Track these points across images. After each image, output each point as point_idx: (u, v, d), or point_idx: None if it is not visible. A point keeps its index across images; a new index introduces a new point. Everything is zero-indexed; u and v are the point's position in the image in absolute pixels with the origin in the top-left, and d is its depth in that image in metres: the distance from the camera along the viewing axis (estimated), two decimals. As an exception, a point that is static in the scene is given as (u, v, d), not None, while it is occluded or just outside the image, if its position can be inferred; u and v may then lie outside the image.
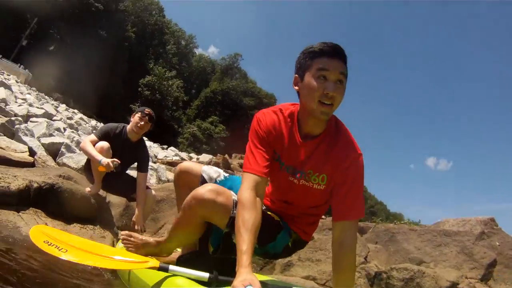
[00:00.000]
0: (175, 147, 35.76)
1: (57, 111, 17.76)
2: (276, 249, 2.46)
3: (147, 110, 4.89)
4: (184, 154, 28.74)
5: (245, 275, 1.70)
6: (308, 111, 2.12)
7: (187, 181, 2.71)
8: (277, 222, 2.42)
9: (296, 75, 2.17)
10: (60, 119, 14.02)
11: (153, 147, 23.06)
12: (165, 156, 20.06)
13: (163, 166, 12.52)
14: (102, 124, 25.32)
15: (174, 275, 2.11)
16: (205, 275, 2.02)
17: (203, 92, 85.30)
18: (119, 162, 4.40)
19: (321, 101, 2.02)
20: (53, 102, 28.56)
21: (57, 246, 2.26)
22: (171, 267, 2.11)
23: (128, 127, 4.86)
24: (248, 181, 2.11)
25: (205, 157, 23.68)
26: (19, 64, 46.78)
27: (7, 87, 16.02)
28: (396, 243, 5.92)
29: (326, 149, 2.18)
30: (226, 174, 2.70)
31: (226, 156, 21.33)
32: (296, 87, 2.17)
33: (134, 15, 75.50)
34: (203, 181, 2.61)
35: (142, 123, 4.78)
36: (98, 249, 2.34)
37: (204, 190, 2.22)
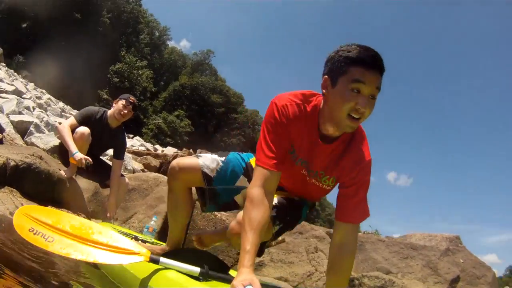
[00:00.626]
0: (140, 137, 35.79)
1: (27, 89, 17.49)
2: (303, 219, 2.61)
3: (131, 98, 4.89)
4: (149, 145, 28.69)
5: (245, 275, 1.69)
6: (333, 119, 2.03)
7: (188, 180, 2.67)
8: (298, 202, 2.50)
9: (327, 77, 2.02)
10: (30, 98, 13.80)
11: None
12: (132, 145, 19.95)
13: (129, 155, 12.53)
14: (69, 107, 25.29)
15: (165, 268, 2.05)
16: (196, 269, 1.98)
17: (172, 85, 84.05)
18: (91, 162, 4.41)
19: (350, 114, 1.94)
20: (21, 80, 27.27)
21: (43, 234, 2.06)
22: (162, 259, 2.04)
23: (109, 112, 4.87)
24: (259, 176, 2.05)
25: (170, 150, 24.11)
26: (-12, 40, 44.67)
27: None
28: (364, 252, 5.90)
29: (340, 153, 2.17)
30: (222, 158, 2.67)
31: (191, 151, 21.07)
32: (325, 91, 2.04)
33: (110, 1, 74.37)
34: (205, 176, 2.60)
35: (126, 111, 4.81)
36: (87, 233, 2.13)
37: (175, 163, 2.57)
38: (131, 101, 4.84)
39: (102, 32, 69.63)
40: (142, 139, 37.43)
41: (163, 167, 12.72)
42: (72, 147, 4.34)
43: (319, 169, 2.23)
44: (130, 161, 11.13)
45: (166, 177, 3.60)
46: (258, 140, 2.16)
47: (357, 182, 2.14)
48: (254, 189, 2.01)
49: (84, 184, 5.01)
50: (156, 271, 2.04)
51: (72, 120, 4.64)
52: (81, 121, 4.61)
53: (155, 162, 13.43)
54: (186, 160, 2.68)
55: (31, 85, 25.59)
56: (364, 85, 1.88)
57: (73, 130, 4.50)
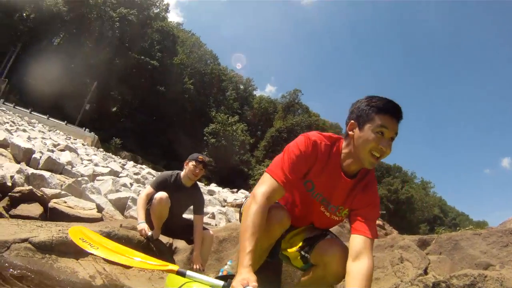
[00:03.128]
0: (246, 189, 35.32)
1: (124, 168, 19.11)
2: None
3: (200, 157, 5.13)
4: (253, 196, 28.45)
5: (244, 275, 1.82)
6: (356, 157, 2.31)
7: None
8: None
9: (354, 122, 2.31)
10: (126, 175, 15.00)
11: (221, 192, 23.79)
12: (235, 199, 20.21)
13: (231, 209, 13.15)
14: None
15: (191, 281, 2.17)
16: (219, 282, 2.03)
17: (268, 132, 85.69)
18: (153, 236, 4.68)
19: (372, 153, 2.24)
20: (120, 160, 30.49)
21: (90, 243, 2.58)
22: (189, 272, 2.19)
23: (183, 174, 5.09)
24: (267, 184, 2.23)
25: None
26: (84, 128, 48.64)
27: (73, 150, 17.22)
28: (460, 251, 5.51)
29: (359, 189, 2.44)
30: None
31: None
32: (351, 132, 2.32)
33: (190, 67, 77.43)
34: None
35: (197, 170, 5.03)
36: (125, 251, 2.58)
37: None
38: (200, 160, 5.10)
39: (187, 98, 71.83)
40: (248, 191, 37.07)
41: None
42: (140, 217, 4.74)
43: (340, 203, 2.46)
44: (232, 215, 11.67)
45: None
46: (279, 156, 2.36)
47: (365, 205, 2.42)
48: (261, 197, 2.16)
49: (181, 244, 5.57)
50: (183, 284, 2.19)
51: (148, 189, 4.94)
52: (157, 187, 4.87)
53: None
54: None
55: (130, 164, 27.81)
56: (387, 130, 2.22)
57: (151, 198, 4.75)
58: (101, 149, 38.83)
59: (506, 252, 5.07)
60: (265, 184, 2.22)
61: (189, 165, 5.06)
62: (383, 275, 4.40)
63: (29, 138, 16.06)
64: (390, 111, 2.22)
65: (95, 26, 61.31)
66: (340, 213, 2.49)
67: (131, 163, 30.18)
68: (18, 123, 25.74)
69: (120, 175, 14.47)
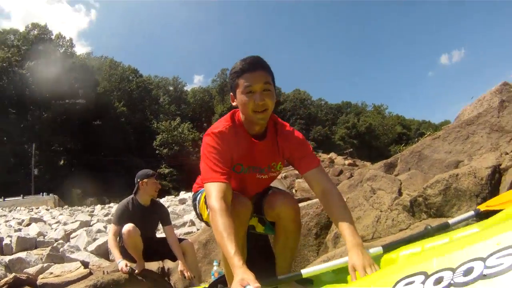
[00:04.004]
0: None
1: (93, 215, 19.41)
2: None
3: (152, 172, 5.13)
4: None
5: (241, 275, 1.81)
6: (249, 120, 2.47)
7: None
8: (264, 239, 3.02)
9: (231, 94, 2.51)
10: (97, 221, 15.32)
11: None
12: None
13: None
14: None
15: None
16: None
17: (214, 120, 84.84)
18: (132, 269, 4.68)
19: (254, 111, 2.37)
20: (87, 208, 29.84)
21: None
22: None
23: (140, 195, 5.01)
24: (212, 190, 2.24)
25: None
26: (41, 193, 47.58)
27: (38, 220, 17.41)
28: (426, 159, 5.59)
29: (274, 143, 2.59)
30: None
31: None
32: (234, 103, 2.50)
33: (115, 91, 76.09)
34: None
35: (158, 185, 5.11)
36: None
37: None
38: (154, 173, 5.12)
39: (125, 121, 70.98)
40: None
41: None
42: (116, 256, 4.72)
43: (269, 163, 2.63)
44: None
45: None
46: (202, 163, 2.41)
47: (297, 145, 2.62)
48: (216, 202, 2.18)
49: (172, 264, 5.60)
50: None
51: (113, 228, 4.89)
52: (120, 221, 4.81)
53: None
54: None
55: (98, 207, 28.04)
56: (253, 86, 2.35)
57: (120, 234, 4.71)
58: (66, 206, 38.11)
59: (470, 143, 5.20)
60: (211, 193, 2.24)
61: (148, 183, 4.99)
62: (362, 212, 4.45)
63: (-10, 227, 15.73)
64: (246, 69, 2.36)
65: (10, 90, 59.96)
66: (275, 168, 2.64)
67: (99, 206, 30.12)
68: (-25, 217, 25.01)
69: (92, 223, 14.71)
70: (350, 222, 2.28)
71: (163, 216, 5.16)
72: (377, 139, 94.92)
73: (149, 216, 5.05)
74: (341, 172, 18.02)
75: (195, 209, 2.87)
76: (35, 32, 71.22)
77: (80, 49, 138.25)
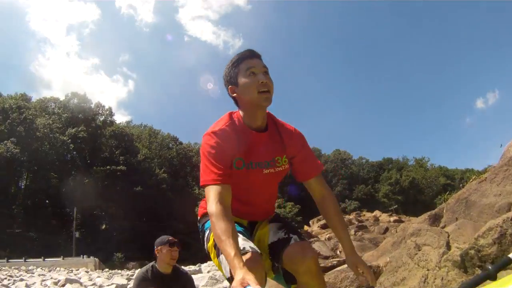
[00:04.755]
0: None
1: (131, 278, 18.70)
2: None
3: (170, 238, 4.83)
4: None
5: (241, 276, 1.81)
6: (252, 105, 2.44)
7: None
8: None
9: (230, 86, 2.50)
10: None
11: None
12: None
13: None
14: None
15: None
16: None
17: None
18: None
19: (259, 91, 2.38)
20: (127, 272, 30.10)
21: None
22: None
23: (158, 262, 4.76)
24: (213, 193, 2.23)
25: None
26: (82, 256, 47.90)
27: (74, 281, 17.55)
28: (474, 206, 5.11)
29: (275, 136, 2.59)
30: None
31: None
32: (235, 94, 2.50)
33: (156, 158, 77.14)
34: None
35: (174, 253, 4.73)
36: None
37: None
38: (172, 241, 4.77)
39: (166, 188, 71.36)
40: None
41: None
42: None
43: (273, 156, 2.56)
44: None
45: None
46: (201, 164, 2.39)
47: (299, 146, 2.65)
48: (214, 206, 2.18)
49: None
50: None
51: None
52: None
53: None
54: None
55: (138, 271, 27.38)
56: (254, 67, 2.42)
57: None
58: (106, 269, 38.37)
59: (519, 181, 4.71)
60: (209, 197, 2.24)
61: (163, 250, 4.73)
62: (407, 273, 4.23)
63: (26, 286, 16.02)
64: (246, 56, 2.46)
65: (52, 155, 61.63)
66: (280, 162, 2.58)
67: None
68: (15, 275, 25.28)
69: (128, 287, 14.76)
70: (346, 229, 2.62)
71: (187, 285, 4.94)
72: (422, 193, 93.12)
73: (169, 285, 4.77)
74: (386, 229, 17.49)
75: (202, 243, 2.73)
76: (75, 100, 73.58)
77: (120, 118, 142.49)
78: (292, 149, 2.61)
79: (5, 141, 55.91)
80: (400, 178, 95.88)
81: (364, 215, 32.15)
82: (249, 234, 2.61)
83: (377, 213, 30.10)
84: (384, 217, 27.62)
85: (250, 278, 1.77)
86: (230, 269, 2.02)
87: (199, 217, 2.82)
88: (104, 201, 63.41)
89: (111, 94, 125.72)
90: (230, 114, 2.55)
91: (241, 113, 2.53)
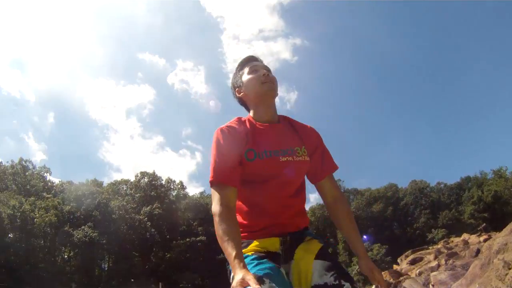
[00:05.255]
0: None
1: None
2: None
3: None
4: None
5: (242, 275, 1.79)
6: (258, 98, 2.50)
7: None
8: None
9: (237, 88, 2.63)
10: None
11: None
12: None
13: None
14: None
15: None
16: None
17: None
18: None
19: (262, 82, 2.46)
20: None
21: None
22: None
23: None
24: (218, 194, 2.21)
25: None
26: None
27: None
28: None
29: (290, 128, 2.57)
30: None
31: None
32: (241, 93, 2.59)
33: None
34: None
35: None
36: None
37: None
38: None
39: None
40: None
41: None
42: None
43: (291, 145, 2.44)
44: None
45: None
46: (211, 163, 2.32)
47: (317, 141, 2.60)
48: (218, 207, 2.16)
49: None
50: None
51: None
52: None
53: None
54: None
55: None
56: (257, 67, 2.55)
57: None
58: None
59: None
60: (213, 198, 2.24)
61: None
62: None
63: None
64: (247, 59, 2.65)
65: (131, 235, 62.35)
66: (300, 152, 2.45)
67: None
68: None
69: None
70: (358, 231, 2.50)
71: None
72: (507, 205, 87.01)
73: None
74: (478, 251, 16.53)
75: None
76: (146, 179, 74.89)
77: (193, 190, 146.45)
78: (309, 145, 2.54)
79: (82, 227, 56.83)
80: (482, 194, 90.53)
81: (452, 241, 32.05)
82: (284, 259, 2.34)
83: (465, 236, 29.86)
84: (473, 238, 27.34)
85: (250, 278, 1.76)
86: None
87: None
88: (189, 273, 63.54)
89: (181, 169, 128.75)
90: (239, 117, 2.56)
91: (250, 113, 2.59)
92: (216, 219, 2.12)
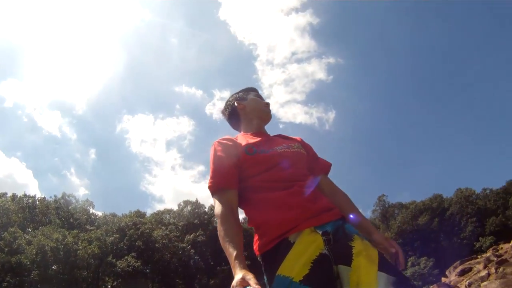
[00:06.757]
0: None
1: None
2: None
3: None
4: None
5: (242, 275, 1.80)
6: (257, 111, 2.75)
7: None
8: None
9: (238, 102, 2.80)
10: None
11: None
12: None
13: None
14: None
15: None
16: None
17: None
18: None
19: (265, 105, 2.80)
20: None
21: None
22: None
23: None
24: (219, 197, 2.28)
25: None
26: None
27: None
28: None
29: (281, 136, 2.71)
30: None
31: None
32: (241, 106, 2.77)
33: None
34: None
35: None
36: None
37: None
38: None
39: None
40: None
41: None
42: None
43: (285, 143, 2.55)
44: None
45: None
46: (210, 171, 2.42)
47: (309, 148, 2.74)
48: (220, 208, 2.22)
49: None
50: None
51: None
52: None
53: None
54: None
55: None
56: (261, 97, 2.87)
57: None
58: None
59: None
60: (215, 200, 2.29)
61: None
62: None
63: None
64: (254, 89, 2.94)
65: (174, 263, 62.98)
66: (294, 146, 2.56)
67: None
68: None
69: None
70: (360, 212, 2.50)
71: None
72: None
73: None
74: None
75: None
76: (188, 208, 76.15)
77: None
78: (303, 147, 2.67)
79: (126, 257, 57.34)
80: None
81: (502, 248, 30.00)
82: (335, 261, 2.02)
83: (515, 242, 28.70)
84: (524, 244, 26.14)
85: (250, 278, 1.77)
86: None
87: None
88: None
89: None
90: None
91: (242, 128, 2.78)
92: (218, 221, 2.18)
